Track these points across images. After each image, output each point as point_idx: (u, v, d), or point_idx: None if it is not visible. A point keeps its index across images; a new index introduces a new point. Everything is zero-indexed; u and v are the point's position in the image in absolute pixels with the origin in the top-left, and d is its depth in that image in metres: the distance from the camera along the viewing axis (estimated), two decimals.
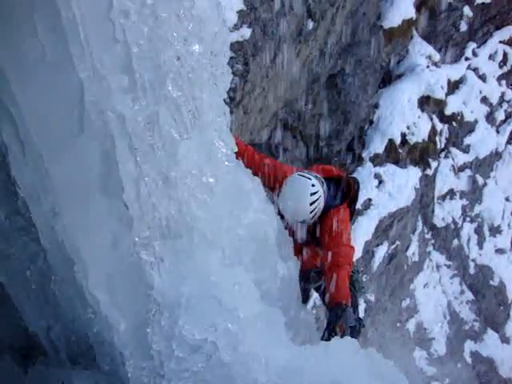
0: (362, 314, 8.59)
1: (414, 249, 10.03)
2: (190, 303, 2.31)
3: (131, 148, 2.13)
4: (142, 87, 2.09)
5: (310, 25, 6.06)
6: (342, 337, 2.97)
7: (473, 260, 11.63)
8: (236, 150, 2.85)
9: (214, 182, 2.59)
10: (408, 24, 9.01)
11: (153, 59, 2.12)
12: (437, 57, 9.89)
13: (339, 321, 3.12)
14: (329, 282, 3.35)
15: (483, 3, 10.41)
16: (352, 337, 2.98)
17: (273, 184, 3.53)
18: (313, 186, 3.29)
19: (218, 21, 2.55)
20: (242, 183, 2.88)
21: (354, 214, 3.76)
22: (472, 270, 11.63)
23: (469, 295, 11.59)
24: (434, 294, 10.83)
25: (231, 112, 3.60)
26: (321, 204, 3.33)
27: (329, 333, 3.13)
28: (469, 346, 11.49)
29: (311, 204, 3.27)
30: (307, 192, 3.27)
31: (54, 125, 2.04)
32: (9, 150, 2.18)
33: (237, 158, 3.04)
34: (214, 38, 2.51)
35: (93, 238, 2.25)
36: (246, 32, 4.82)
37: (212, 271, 2.42)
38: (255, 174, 3.31)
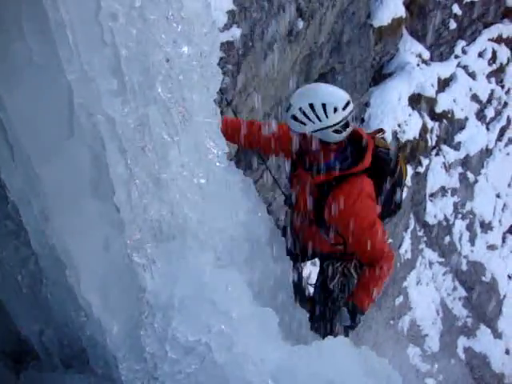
0: None
1: (406, 246, 10.07)
2: (183, 305, 2.31)
3: (121, 150, 2.12)
4: (132, 90, 2.08)
5: (301, 24, 6.06)
6: (335, 336, 2.99)
7: (465, 256, 11.69)
8: (227, 150, 2.84)
9: (205, 182, 2.59)
10: (398, 22, 9.03)
11: (142, 61, 2.11)
12: (427, 55, 9.94)
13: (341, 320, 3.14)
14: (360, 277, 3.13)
15: (471, 2, 10.47)
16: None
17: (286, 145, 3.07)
18: (347, 104, 2.55)
19: (208, 22, 2.54)
20: (233, 184, 2.88)
21: (394, 194, 2.94)
22: (464, 267, 11.68)
23: (461, 291, 11.65)
24: (427, 291, 10.88)
25: (222, 112, 3.60)
26: (317, 127, 2.62)
27: (330, 328, 3.15)
28: (462, 342, 11.55)
29: (323, 106, 2.54)
30: (334, 96, 2.56)
31: (43, 128, 2.03)
32: None
33: (233, 136, 2.99)
34: (204, 40, 2.50)
35: (84, 241, 2.24)
36: (236, 32, 4.80)
37: (205, 272, 2.42)
38: (259, 145, 3.16)
